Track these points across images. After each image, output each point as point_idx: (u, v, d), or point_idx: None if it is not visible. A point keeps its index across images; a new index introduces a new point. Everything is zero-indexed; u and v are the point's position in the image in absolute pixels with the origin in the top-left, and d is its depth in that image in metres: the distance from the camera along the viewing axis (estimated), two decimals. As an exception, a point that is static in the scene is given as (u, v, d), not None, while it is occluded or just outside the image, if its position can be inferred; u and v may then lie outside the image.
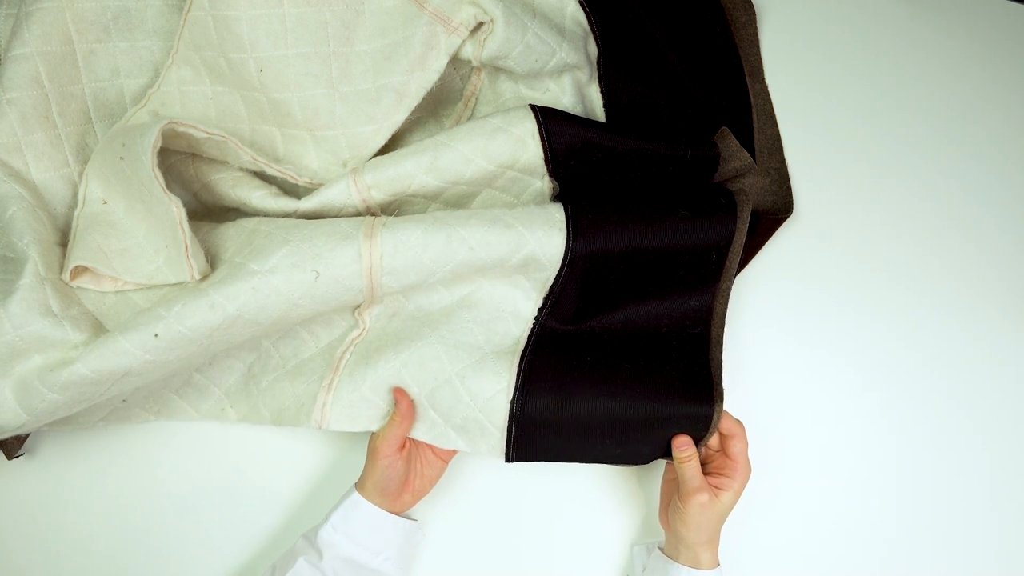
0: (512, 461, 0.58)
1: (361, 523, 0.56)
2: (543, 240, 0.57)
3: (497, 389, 0.57)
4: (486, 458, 0.60)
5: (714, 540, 0.56)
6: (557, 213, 0.58)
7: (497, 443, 0.58)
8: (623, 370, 0.59)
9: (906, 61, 0.72)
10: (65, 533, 0.61)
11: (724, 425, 0.57)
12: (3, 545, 0.61)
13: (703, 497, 0.55)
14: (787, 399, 0.66)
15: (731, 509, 0.56)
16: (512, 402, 0.57)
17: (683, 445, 0.57)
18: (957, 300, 0.68)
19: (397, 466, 0.56)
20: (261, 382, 0.60)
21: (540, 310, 0.60)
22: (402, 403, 0.57)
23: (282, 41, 0.56)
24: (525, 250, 0.56)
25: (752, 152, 0.69)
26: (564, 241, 0.57)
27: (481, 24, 0.57)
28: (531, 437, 0.58)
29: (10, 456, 0.60)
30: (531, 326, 0.61)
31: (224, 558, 0.62)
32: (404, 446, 0.57)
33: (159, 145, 0.51)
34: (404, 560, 0.58)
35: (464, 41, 0.58)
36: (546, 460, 0.60)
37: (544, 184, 0.61)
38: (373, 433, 0.58)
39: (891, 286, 0.69)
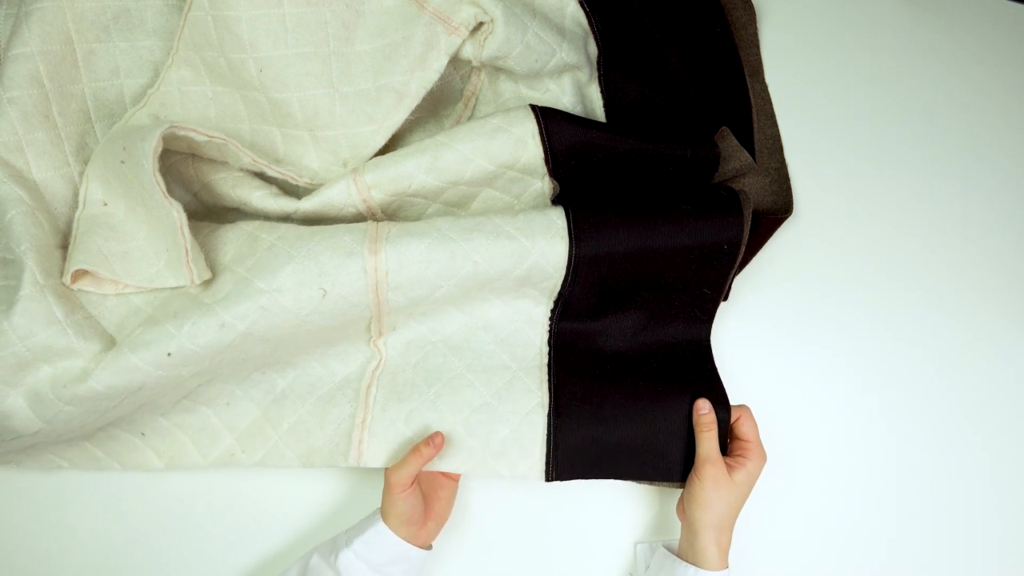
0: (551, 480, 0.59)
1: (385, 553, 0.55)
2: (545, 249, 0.57)
3: (532, 405, 0.59)
4: (526, 480, 0.59)
5: (724, 533, 0.55)
6: (558, 219, 0.57)
7: (537, 462, 0.58)
8: (642, 372, 0.60)
9: (906, 61, 0.72)
10: (63, 533, 0.61)
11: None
12: (3, 545, 0.61)
13: (716, 469, 0.55)
14: (787, 399, 0.66)
15: (744, 494, 0.56)
16: (548, 415, 0.59)
17: (703, 407, 0.58)
18: (957, 300, 0.68)
19: (416, 496, 0.56)
20: (281, 425, 0.60)
21: (552, 311, 0.61)
22: (436, 439, 0.56)
23: (282, 41, 0.56)
24: (528, 261, 0.57)
25: (752, 152, 0.69)
26: (567, 248, 0.57)
27: (481, 24, 0.57)
28: (569, 449, 0.59)
29: None
30: (547, 331, 0.62)
31: (225, 565, 0.62)
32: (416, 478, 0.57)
33: (160, 150, 0.51)
34: None
35: (464, 41, 0.58)
36: (583, 476, 0.59)
37: (544, 184, 0.61)
38: (388, 468, 0.57)
39: (891, 286, 0.68)
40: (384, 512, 0.56)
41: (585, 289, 0.60)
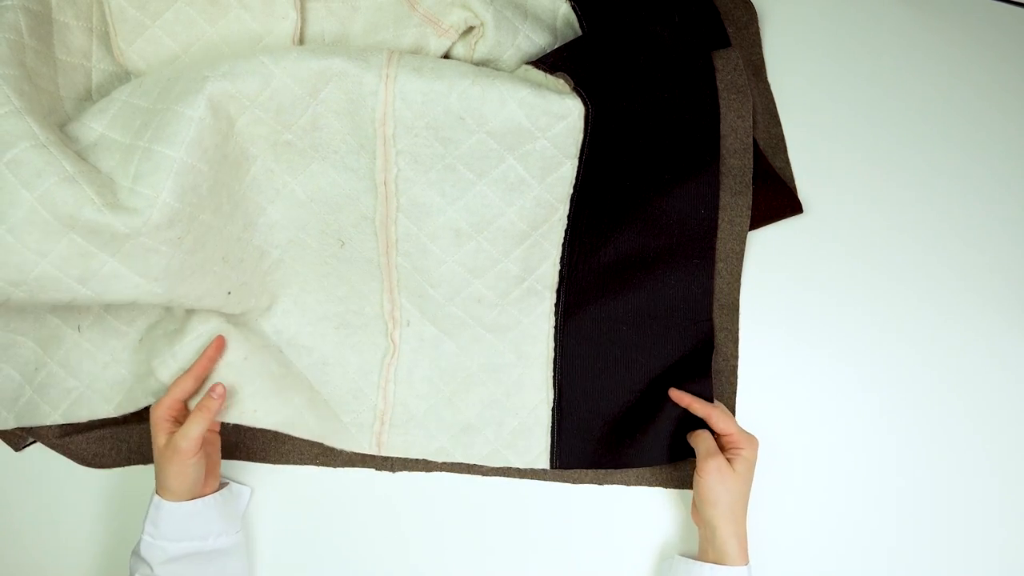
0: (556, 468, 0.63)
1: (172, 520, 0.54)
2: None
3: (538, 399, 0.64)
4: (534, 465, 0.64)
5: (740, 525, 0.56)
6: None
7: (543, 451, 0.64)
8: (639, 360, 0.64)
9: (908, 61, 0.71)
10: (60, 532, 0.64)
11: (699, 411, 0.59)
12: (2, 545, 0.63)
13: (718, 461, 0.56)
14: (787, 399, 0.66)
15: (748, 481, 0.57)
16: (552, 409, 0.64)
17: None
18: (958, 301, 0.67)
19: (202, 457, 0.54)
20: (294, 400, 0.60)
21: (556, 304, 0.64)
22: (217, 389, 0.54)
23: None
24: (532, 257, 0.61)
25: (755, 149, 0.68)
26: (552, 328, 0.63)
27: (472, 28, 0.57)
28: (571, 439, 0.63)
29: (18, 448, 0.62)
30: (552, 327, 0.64)
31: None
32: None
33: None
34: (232, 525, 0.57)
35: (454, 43, 0.58)
36: (586, 465, 0.63)
37: (570, 170, 0.57)
38: (172, 438, 0.53)
39: (892, 286, 0.67)
40: (166, 487, 0.54)
41: (582, 286, 0.62)
